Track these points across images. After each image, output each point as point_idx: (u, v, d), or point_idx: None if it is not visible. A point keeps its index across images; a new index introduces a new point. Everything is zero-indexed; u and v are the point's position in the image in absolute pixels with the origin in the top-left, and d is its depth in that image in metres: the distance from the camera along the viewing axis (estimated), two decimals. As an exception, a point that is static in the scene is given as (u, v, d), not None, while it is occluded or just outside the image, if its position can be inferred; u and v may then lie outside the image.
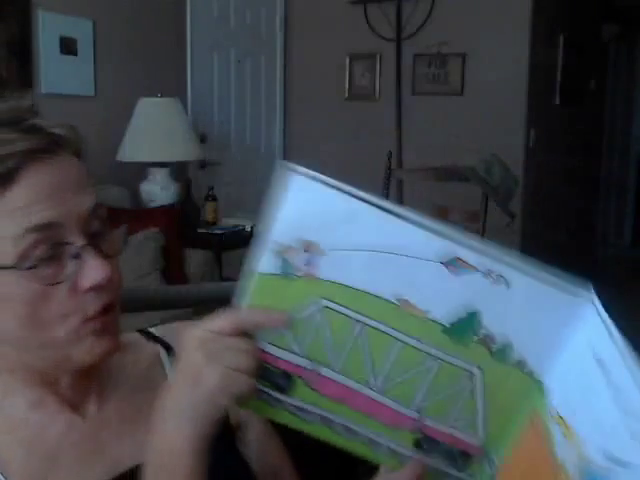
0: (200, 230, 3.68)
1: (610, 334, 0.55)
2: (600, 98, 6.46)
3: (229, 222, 3.79)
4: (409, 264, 0.61)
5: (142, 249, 3.13)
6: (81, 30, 3.63)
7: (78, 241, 0.68)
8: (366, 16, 4.62)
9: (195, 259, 3.44)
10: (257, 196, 4.49)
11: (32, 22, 3.39)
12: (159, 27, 4.06)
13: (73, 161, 0.76)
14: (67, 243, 0.67)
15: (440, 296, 0.61)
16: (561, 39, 4.91)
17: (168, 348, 0.83)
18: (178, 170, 3.83)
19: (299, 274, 0.63)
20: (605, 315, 0.57)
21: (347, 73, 4.81)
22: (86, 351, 0.70)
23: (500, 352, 0.62)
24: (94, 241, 0.70)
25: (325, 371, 0.65)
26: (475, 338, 0.62)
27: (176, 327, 0.86)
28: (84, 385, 0.75)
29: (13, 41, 3.31)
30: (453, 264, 0.60)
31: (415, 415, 0.65)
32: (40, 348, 0.69)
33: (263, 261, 0.63)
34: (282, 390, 0.65)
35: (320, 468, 1.04)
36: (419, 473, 0.67)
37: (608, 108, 6.86)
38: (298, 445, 0.84)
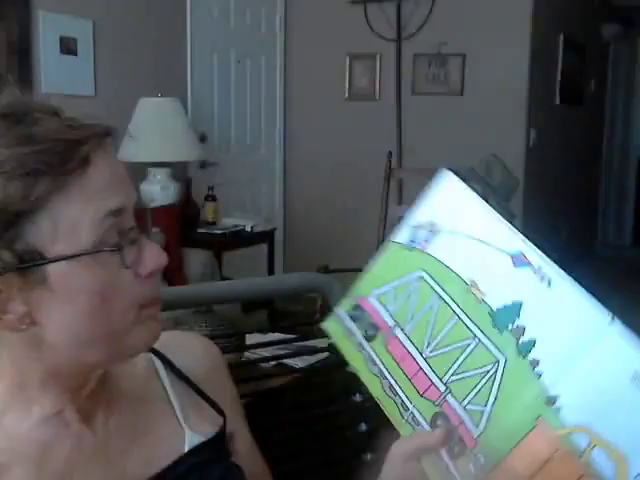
0: (200, 230, 3.68)
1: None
2: (600, 98, 6.46)
3: (229, 222, 3.79)
4: (488, 252, 0.70)
5: (142, 249, 3.13)
6: (81, 30, 3.63)
7: (135, 227, 0.68)
8: (366, 16, 4.62)
9: (195, 259, 3.45)
10: (257, 196, 4.51)
11: (32, 22, 3.39)
12: (159, 27, 4.06)
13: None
14: (130, 229, 0.66)
15: (499, 283, 0.68)
16: (561, 39, 4.92)
17: (161, 356, 0.81)
18: (178, 170, 3.83)
19: (417, 246, 0.75)
20: (634, 337, 0.59)
21: (347, 73, 4.81)
22: (142, 339, 0.69)
23: (524, 346, 0.65)
24: (145, 228, 0.70)
25: (398, 331, 0.74)
26: (510, 327, 0.66)
27: (171, 338, 0.83)
28: (97, 395, 0.73)
29: (13, 41, 3.31)
30: (517, 256, 0.68)
31: (442, 388, 0.70)
32: (100, 341, 0.66)
33: (400, 233, 0.77)
34: (368, 338, 0.76)
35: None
36: (438, 441, 0.68)
37: (608, 108, 6.86)
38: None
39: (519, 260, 0.68)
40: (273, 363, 1.75)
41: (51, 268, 0.62)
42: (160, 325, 0.71)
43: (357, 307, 0.79)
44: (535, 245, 0.68)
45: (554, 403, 0.62)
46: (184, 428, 0.76)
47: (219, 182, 4.09)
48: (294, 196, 4.98)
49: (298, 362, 1.67)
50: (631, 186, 7.20)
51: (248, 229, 3.76)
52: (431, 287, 0.73)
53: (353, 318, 0.79)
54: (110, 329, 0.66)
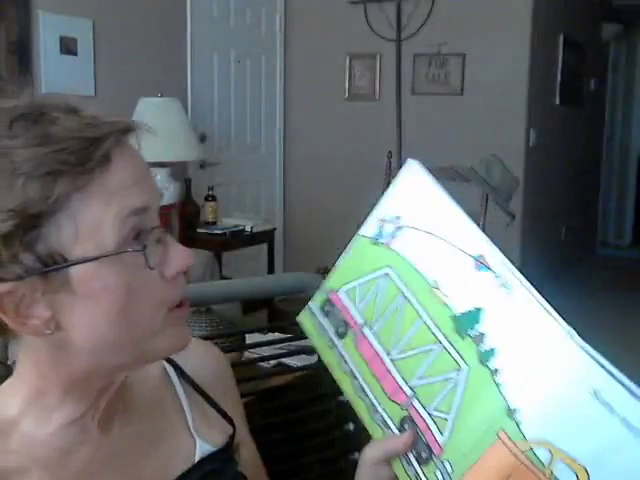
0: (200, 230, 3.68)
1: (602, 366, 0.57)
2: (600, 98, 6.46)
3: (229, 222, 3.79)
4: (451, 252, 0.68)
5: (142, 249, 3.13)
6: (81, 30, 3.63)
7: (160, 226, 0.66)
8: (366, 16, 4.62)
9: (195, 259, 3.42)
10: (257, 196, 4.52)
11: (32, 22, 3.39)
12: (159, 27, 4.06)
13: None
14: (153, 228, 0.64)
15: (460, 286, 0.67)
16: (561, 39, 4.92)
17: (174, 364, 0.80)
18: (178, 170, 3.83)
19: (382, 241, 0.75)
20: (593, 352, 0.58)
21: (347, 73, 4.81)
22: (170, 343, 0.67)
23: (485, 354, 0.63)
24: (168, 227, 0.68)
25: (366, 330, 0.74)
26: (471, 333, 0.65)
27: None
28: (115, 402, 0.71)
29: (13, 41, 3.31)
30: (478, 260, 0.66)
31: (409, 392, 0.69)
32: (126, 344, 0.64)
33: (367, 226, 0.77)
34: (339, 335, 0.76)
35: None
36: (404, 444, 0.69)
37: (608, 108, 6.86)
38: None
39: (480, 263, 0.66)
40: (273, 363, 1.75)
41: (74, 270, 0.60)
42: (190, 330, 0.69)
43: (328, 301, 0.78)
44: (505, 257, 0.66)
45: (514, 415, 0.60)
46: (195, 437, 0.76)
47: (219, 182, 4.09)
48: (294, 196, 4.98)
49: (298, 362, 1.67)
50: (631, 186, 7.20)
51: (248, 229, 3.76)
52: (397, 286, 0.72)
53: (325, 313, 0.78)
54: (136, 331, 0.64)
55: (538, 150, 4.64)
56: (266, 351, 1.51)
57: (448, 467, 0.65)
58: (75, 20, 3.59)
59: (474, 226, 0.69)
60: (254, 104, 4.79)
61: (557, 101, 5.04)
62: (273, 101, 4.94)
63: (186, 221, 3.58)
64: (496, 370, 0.62)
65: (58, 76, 3.53)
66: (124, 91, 3.78)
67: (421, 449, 0.68)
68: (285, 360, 1.67)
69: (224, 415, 0.80)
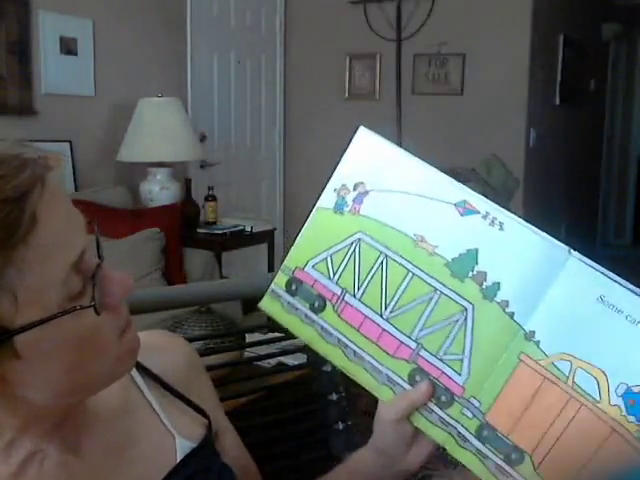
0: (200, 230, 3.68)
1: (602, 273, 0.64)
2: (600, 98, 6.46)
3: (229, 222, 3.79)
4: (429, 205, 0.71)
5: (142, 249, 3.13)
6: (81, 30, 3.63)
7: (96, 260, 0.61)
8: (366, 16, 4.62)
9: (195, 259, 3.45)
10: (257, 196, 4.53)
11: (32, 22, 3.39)
12: (159, 27, 4.06)
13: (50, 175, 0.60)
14: (97, 266, 0.60)
15: (448, 233, 0.70)
16: (561, 39, 4.92)
17: (139, 367, 0.77)
18: (178, 170, 3.83)
19: (347, 210, 0.75)
20: (592, 262, 0.65)
21: (347, 73, 4.81)
22: (125, 365, 0.66)
23: (489, 290, 0.68)
24: (99, 255, 0.63)
25: (348, 297, 0.74)
26: (470, 274, 0.68)
27: (143, 341, 0.77)
28: (76, 421, 0.68)
29: (13, 41, 3.31)
30: (462, 206, 0.69)
31: (413, 345, 0.71)
32: (84, 387, 0.63)
33: (324, 198, 0.77)
34: (315, 310, 0.76)
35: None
36: (424, 394, 0.71)
37: (608, 108, 6.86)
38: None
39: (464, 208, 0.69)
40: (273, 362, 1.75)
41: (19, 339, 0.56)
42: (136, 335, 0.67)
43: (294, 280, 0.78)
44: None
45: (532, 337, 0.65)
46: (173, 434, 0.74)
47: (219, 182, 4.09)
48: (294, 196, 4.98)
49: (298, 361, 1.67)
50: (631, 186, 7.20)
51: (248, 229, 3.76)
52: (375, 248, 0.73)
53: (292, 292, 0.78)
54: (94, 374, 0.62)
55: (538, 150, 4.64)
56: (266, 350, 1.51)
57: (475, 402, 0.68)
58: (75, 20, 3.59)
59: (447, 176, 0.71)
60: (254, 104, 4.79)
61: (557, 101, 5.04)
62: (273, 101, 4.94)
63: (186, 221, 3.58)
64: (505, 301, 0.67)
65: (58, 76, 3.53)
66: (124, 91, 3.78)
67: (440, 394, 0.70)
68: (285, 359, 1.67)
69: (196, 407, 0.78)
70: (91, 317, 0.59)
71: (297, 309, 0.77)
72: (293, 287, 0.77)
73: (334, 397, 1.21)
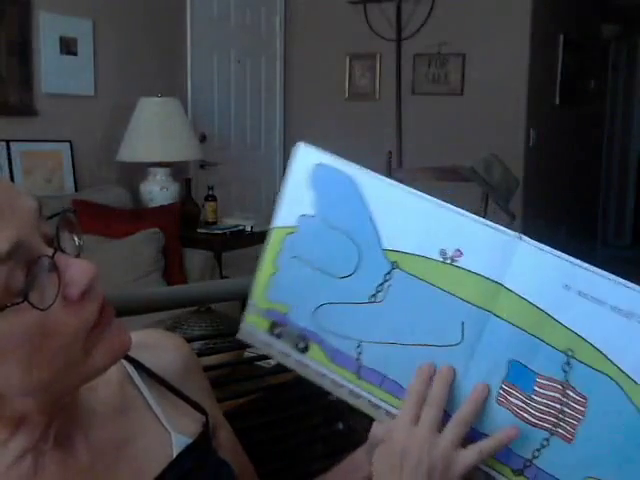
0: (200, 230, 3.68)
1: (559, 257, 0.66)
2: (600, 98, 6.46)
3: (229, 222, 3.79)
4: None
5: (142, 249, 3.13)
6: (81, 30, 3.63)
7: (47, 251, 0.59)
8: (366, 16, 4.62)
9: (195, 259, 3.44)
10: (257, 196, 4.53)
11: (32, 22, 3.39)
12: (159, 27, 4.06)
13: None
14: (39, 257, 0.58)
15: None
16: (561, 39, 4.92)
17: (134, 362, 0.77)
18: (178, 170, 3.83)
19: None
20: (549, 248, 0.66)
21: (347, 73, 4.81)
22: (102, 360, 0.63)
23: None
24: (58, 245, 0.61)
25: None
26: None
27: (139, 339, 0.77)
28: (71, 416, 0.68)
29: (13, 41, 3.31)
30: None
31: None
32: (56, 380, 0.61)
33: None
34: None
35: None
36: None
37: (608, 108, 6.86)
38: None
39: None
40: (273, 362, 1.75)
41: None
42: (122, 334, 0.65)
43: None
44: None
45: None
46: (169, 431, 0.74)
47: (219, 182, 4.09)
48: (294, 196, 4.97)
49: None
50: (631, 186, 7.20)
51: (248, 229, 3.76)
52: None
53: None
54: (60, 368, 0.60)
55: (538, 150, 4.64)
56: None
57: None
58: (75, 20, 3.59)
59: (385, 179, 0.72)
60: (254, 104, 4.79)
61: (557, 101, 5.04)
62: (273, 101, 4.94)
63: (186, 221, 3.58)
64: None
65: (58, 76, 3.53)
66: (124, 91, 3.78)
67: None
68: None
69: (194, 404, 0.79)
70: (37, 312, 0.56)
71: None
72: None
73: (334, 397, 1.21)
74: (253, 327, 0.77)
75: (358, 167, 0.74)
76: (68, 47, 3.58)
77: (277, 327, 0.75)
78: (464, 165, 3.61)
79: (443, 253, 0.68)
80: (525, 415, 0.66)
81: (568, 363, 0.64)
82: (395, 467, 0.68)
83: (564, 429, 0.65)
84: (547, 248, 0.66)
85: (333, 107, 4.82)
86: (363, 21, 4.63)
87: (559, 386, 0.64)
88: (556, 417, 0.65)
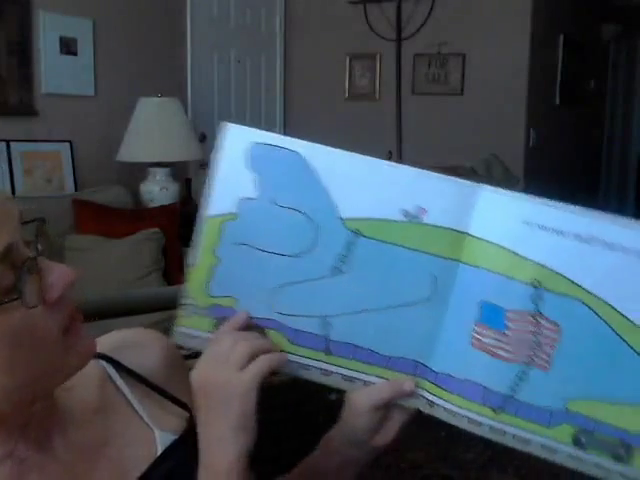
0: (200, 230, 3.67)
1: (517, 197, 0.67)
2: (600, 98, 6.46)
3: (229, 222, 3.78)
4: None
5: (142, 249, 3.13)
6: (81, 30, 3.63)
7: (30, 254, 0.61)
8: (366, 16, 4.62)
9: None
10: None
11: (32, 22, 3.39)
12: (159, 27, 4.06)
13: None
14: (26, 259, 0.60)
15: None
16: (561, 39, 4.92)
17: (113, 361, 0.77)
18: (178, 170, 3.83)
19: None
20: (506, 191, 0.67)
21: (347, 73, 4.81)
22: (75, 361, 0.64)
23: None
24: (37, 249, 0.63)
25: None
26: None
27: (119, 338, 0.81)
28: (47, 419, 0.68)
29: (13, 41, 3.31)
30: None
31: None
32: (30, 383, 0.61)
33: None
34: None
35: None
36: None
37: (608, 108, 6.86)
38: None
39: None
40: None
41: None
42: (90, 339, 0.66)
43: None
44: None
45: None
46: (153, 429, 0.74)
47: (219, 182, 4.09)
48: (294, 196, 4.97)
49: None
50: (631, 186, 7.20)
51: (248, 229, 3.76)
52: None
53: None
54: (36, 370, 0.61)
55: (538, 150, 4.64)
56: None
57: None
58: (75, 20, 3.59)
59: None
60: (254, 104, 4.79)
61: (557, 101, 5.04)
62: (273, 101, 4.94)
63: (186, 221, 3.58)
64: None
65: (58, 76, 3.53)
66: (124, 91, 3.78)
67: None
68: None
69: (177, 401, 0.78)
70: (23, 311, 0.58)
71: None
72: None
73: (333, 397, 1.21)
74: (192, 330, 0.72)
75: (300, 141, 0.71)
76: (68, 47, 3.58)
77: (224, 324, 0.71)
78: (464, 165, 3.61)
79: (405, 213, 0.68)
80: (500, 352, 0.67)
81: (537, 294, 0.65)
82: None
83: (540, 359, 0.66)
84: (503, 191, 0.67)
85: (333, 107, 4.82)
86: (363, 21, 4.63)
87: (531, 318, 0.66)
88: (531, 349, 0.66)
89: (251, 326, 0.71)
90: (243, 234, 0.71)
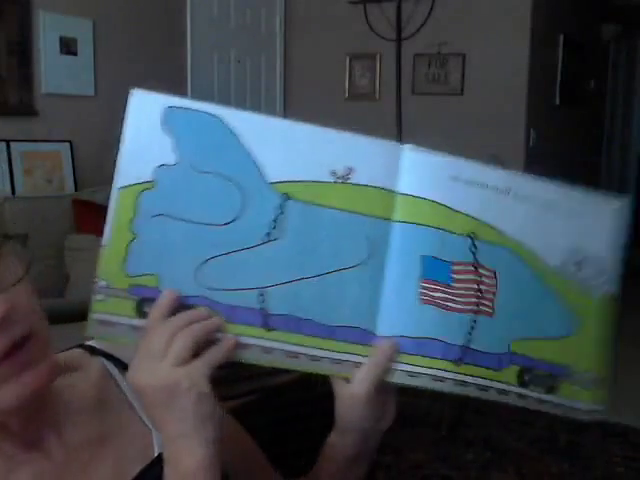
0: (200, 230, 3.67)
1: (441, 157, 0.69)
2: (600, 98, 6.46)
3: (229, 222, 3.79)
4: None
5: (142, 249, 3.13)
6: (81, 30, 3.63)
7: None
8: (366, 16, 4.62)
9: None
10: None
11: (32, 22, 3.39)
12: (159, 27, 4.06)
13: None
14: None
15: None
16: (561, 39, 4.92)
17: (114, 359, 0.77)
18: (178, 170, 3.83)
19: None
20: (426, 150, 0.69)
21: (347, 73, 4.81)
22: (12, 395, 0.61)
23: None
24: None
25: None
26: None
27: None
28: (37, 420, 0.67)
29: (13, 41, 3.31)
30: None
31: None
32: None
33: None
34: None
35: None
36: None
37: (608, 108, 6.86)
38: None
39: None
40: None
41: None
42: (39, 370, 0.62)
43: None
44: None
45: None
46: (151, 429, 0.73)
47: (219, 182, 4.09)
48: (294, 196, 4.98)
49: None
50: (631, 186, 7.20)
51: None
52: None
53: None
54: None
55: (538, 150, 4.64)
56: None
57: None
58: (75, 20, 3.59)
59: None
60: (254, 104, 4.79)
61: (557, 101, 5.04)
62: (273, 101, 4.94)
63: (186, 221, 3.58)
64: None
65: (58, 76, 3.53)
66: (124, 91, 3.77)
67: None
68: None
69: None
70: None
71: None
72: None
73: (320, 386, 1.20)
74: (110, 316, 0.63)
75: (218, 105, 0.68)
76: (68, 47, 3.58)
77: (146, 305, 0.63)
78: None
79: (334, 174, 0.67)
80: (450, 304, 0.67)
81: (473, 245, 0.67)
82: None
83: (485, 305, 0.68)
84: (425, 149, 0.68)
85: (333, 107, 4.82)
86: (363, 21, 4.63)
87: (471, 267, 0.67)
88: (476, 297, 0.68)
89: (179, 306, 0.63)
90: (162, 204, 0.64)
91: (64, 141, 3.53)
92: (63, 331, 0.96)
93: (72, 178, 3.55)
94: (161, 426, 0.63)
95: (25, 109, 3.38)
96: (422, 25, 4.48)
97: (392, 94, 4.62)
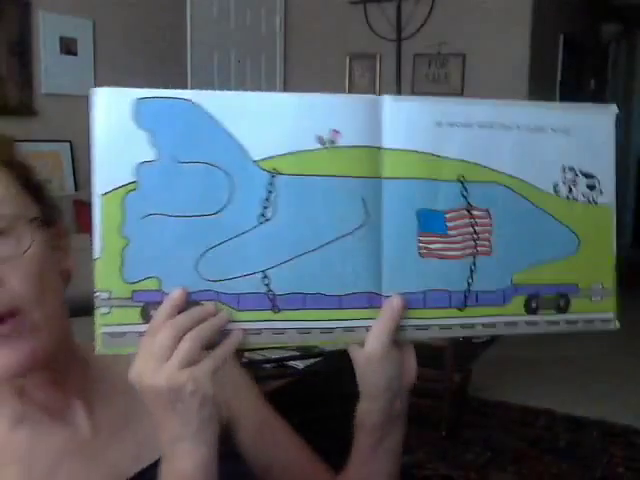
0: (200, 230, 3.68)
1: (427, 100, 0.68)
2: (600, 98, 6.46)
3: (229, 222, 3.79)
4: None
5: (142, 249, 3.13)
6: (81, 30, 3.63)
7: None
8: (366, 16, 4.62)
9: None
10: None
11: (32, 22, 3.39)
12: (159, 27, 4.06)
13: None
14: None
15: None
16: (561, 39, 4.92)
17: None
18: (178, 170, 3.84)
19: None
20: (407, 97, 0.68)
21: (347, 73, 4.81)
22: None
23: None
24: None
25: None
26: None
27: None
28: (63, 391, 0.70)
29: (13, 41, 3.31)
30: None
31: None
32: None
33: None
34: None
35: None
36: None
37: (608, 108, 6.85)
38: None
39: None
40: (274, 365, 1.75)
41: None
42: (19, 346, 0.63)
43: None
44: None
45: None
46: None
47: (219, 182, 4.10)
48: (294, 196, 4.98)
49: (299, 364, 1.68)
50: (631, 186, 7.21)
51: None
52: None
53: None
54: None
55: (538, 150, 4.64)
56: (269, 353, 1.51)
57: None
58: (75, 20, 3.59)
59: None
60: (254, 104, 4.79)
61: (557, 101, 5.04)
62: (273, 101, 4.94)
63: (186, 221, 3.58)
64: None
65: (58, 76, 3.53)
66: (124, 91, 3.78)
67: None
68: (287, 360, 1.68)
69: None
70: None
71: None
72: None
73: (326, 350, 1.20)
74: (118, 327, 0.62)
75: (188, 90, 0.66)
76: (68, 47, 3.58)
77: (152, 308, 0.62)
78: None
79: (320, 139, 0.65)
80: (450, 253, 0.68)
81: (464, 188, 0.67)
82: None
83: (482, 246, 0.68)
84: (409, 97, 0.68)
85: (333, 107, 4.82)
86: (363, 21, 4.64)
87: (465, 211, 0.67)
88: (473, 239, 0.68)
89: (187, 304, 0.61)
90: (149, 204, 0.62)
91: (64, 141, 3.53)
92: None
93: (72, 178, 3.55)
94: (162, 426, 0.63)
95: (25, 109, 3.38)
96: (422, 25, 4.48)
97: (392, 94, 4.62)
